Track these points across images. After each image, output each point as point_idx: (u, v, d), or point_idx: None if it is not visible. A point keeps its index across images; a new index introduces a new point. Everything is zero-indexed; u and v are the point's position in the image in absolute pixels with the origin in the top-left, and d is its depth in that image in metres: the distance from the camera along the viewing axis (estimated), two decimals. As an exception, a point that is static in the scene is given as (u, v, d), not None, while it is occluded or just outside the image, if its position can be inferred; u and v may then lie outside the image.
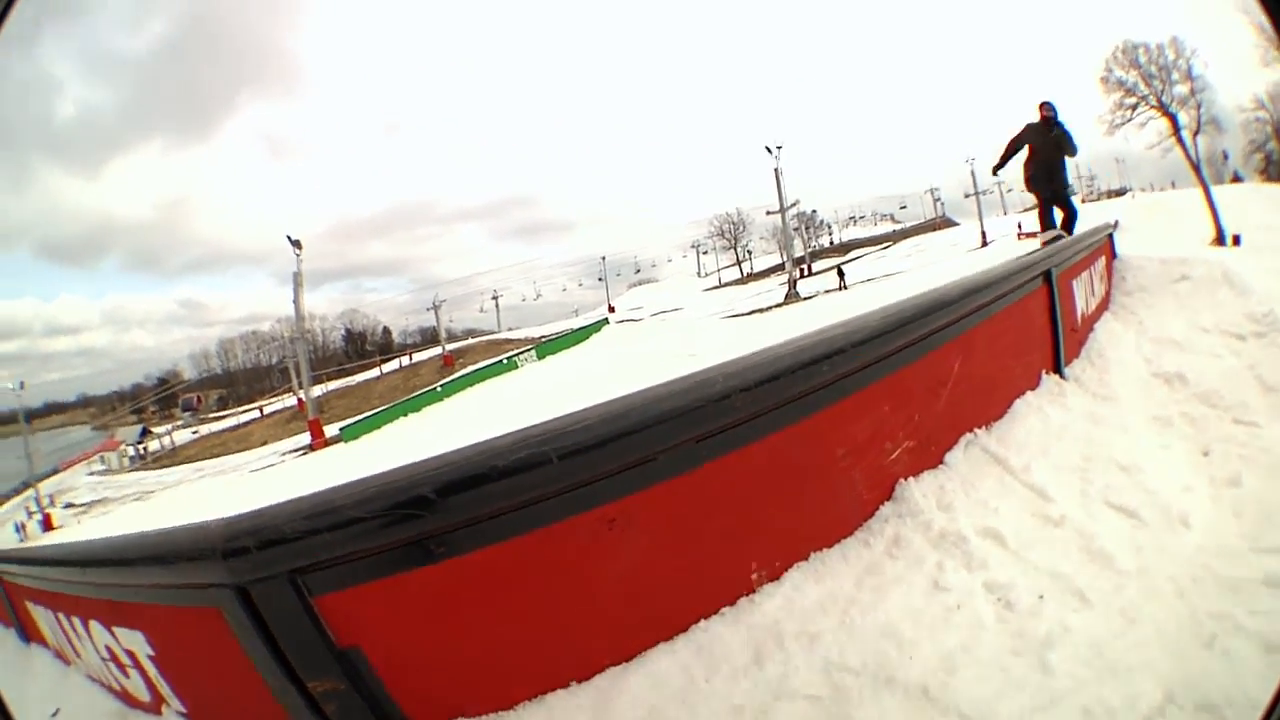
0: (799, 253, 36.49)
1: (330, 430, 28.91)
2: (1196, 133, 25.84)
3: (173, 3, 43.71)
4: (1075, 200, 10.33)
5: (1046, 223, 9.89)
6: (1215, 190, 21.49)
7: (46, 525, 26.24)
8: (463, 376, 31.16)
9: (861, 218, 41.72)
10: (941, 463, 3.39)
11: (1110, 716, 2.21)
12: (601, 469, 2.31)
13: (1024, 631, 2.55)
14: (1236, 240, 16.05)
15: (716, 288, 40.23)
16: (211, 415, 38.14)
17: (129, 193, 45.08)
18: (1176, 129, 25.96)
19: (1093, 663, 2.40)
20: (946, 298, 3.52)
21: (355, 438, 26.82)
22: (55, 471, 32.24)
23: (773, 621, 2.55)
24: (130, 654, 3.22)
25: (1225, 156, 27.46)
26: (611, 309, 38.08)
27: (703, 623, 2.52)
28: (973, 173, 34.06)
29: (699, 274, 42.69)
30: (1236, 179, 26.94)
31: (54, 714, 4.80)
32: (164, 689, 3.11)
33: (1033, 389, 4.35)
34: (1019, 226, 27.29)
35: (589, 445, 2.23)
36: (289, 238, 29.40)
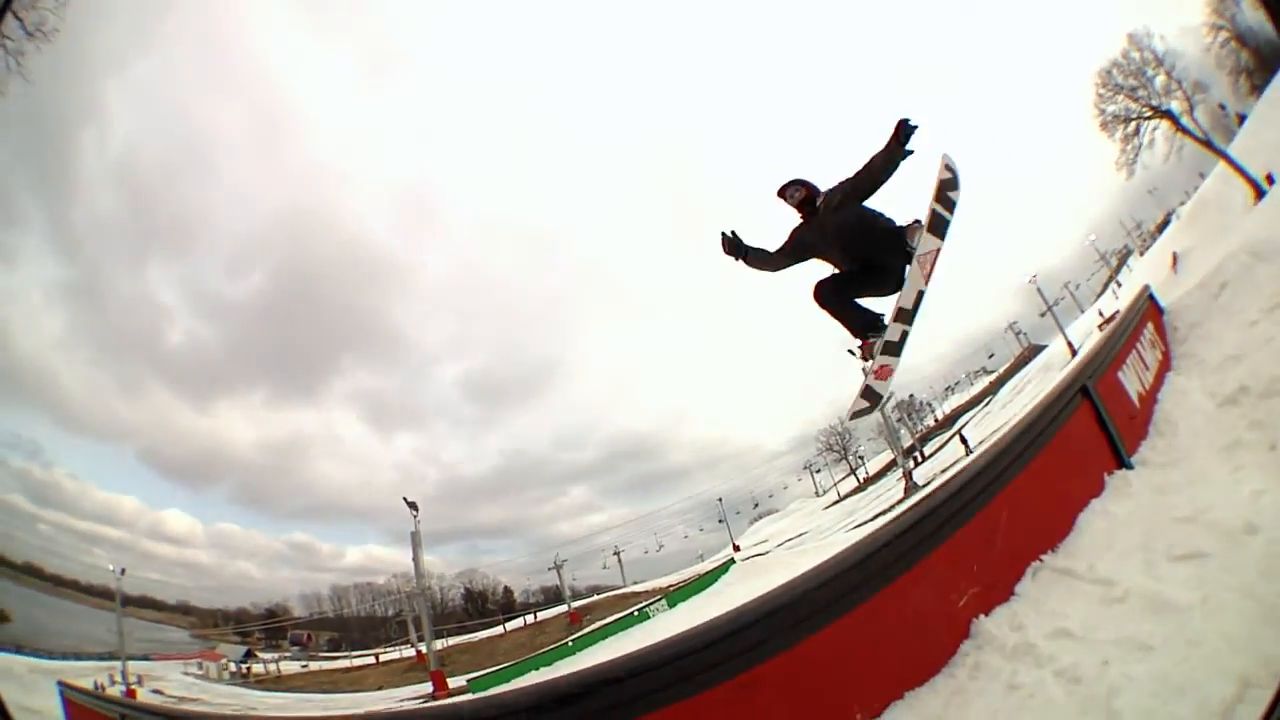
0: (907, 442, 36.02)
1: (455, 682, 28.47)
2: (1192, 110, 25.60)
3: (272, 257, 47.64)
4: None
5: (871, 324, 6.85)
6: (1232, 147, 21.22)
7: (129, 696, 25.26)
8: (593, 631, 30.85)
9: (957, 383, 40.88)
10: (1013, 594, 3.80)
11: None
12: (719, 657, 3.16)
13: (1090, 694, 2.92)
14: (1270, 179, 15.93)
15: (836, 502, 39.19)
16: (322, 654, 37.75)
17: (236, 431, 47.59)
18: (1176, 122, 25.65)
19: (1159, 693, 2.72)
20: (982, 464, 4.16)
21: (484, 689, 25.63)
22: (146, 658, 31.76)
23: None
24: None
25: (1223, 108, 26.64)
26: (736, 547, 37.41)
27: None
28: (1039, 290, 33.46)
29: (817, 493, 42.04)
30: (1242, 118, 25.77)
31: None
32: None
33: (1097, 495, 4.57)
34: (1100, 315, 26.74)
35: (706, 645, 3.21)
36: (405, 500, 29.91)
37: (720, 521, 39.51)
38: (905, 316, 6.22)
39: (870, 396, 6.76)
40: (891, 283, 6.44)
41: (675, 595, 30.97)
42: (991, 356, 39.47)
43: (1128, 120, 26.72)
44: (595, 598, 37.05)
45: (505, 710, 3.01)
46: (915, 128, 5.92)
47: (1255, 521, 3.50)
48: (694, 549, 39.41)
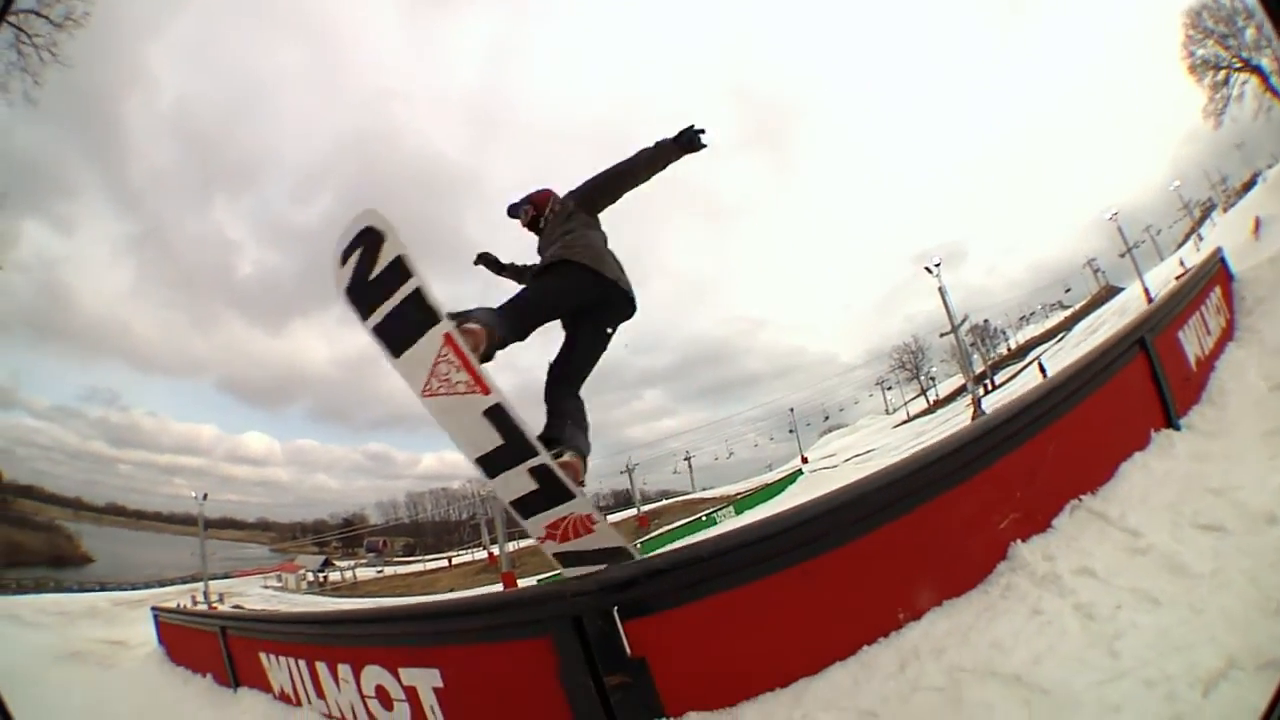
0: (978, 369, 36.09)
1: (524, 583, 27.93)
2: (1282, 66, 23.86)
3: (338, 181, 47.93)
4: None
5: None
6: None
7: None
8: (662, 535, 31.22)
9: (1032, 314, 40.25)
10: (1049, 526, 4.10)
11: (1169, 683, 2.90)
12: (786, 545, 3.63)
13: (1100, 631, 3.30)
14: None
15: (906, 422, 39.70)
16: (397, 559, 39.55)
17: (311, 350, 48.97)
18: (1266, 79, 25.34)
19: (1157, 645, 3.09)
20: (1035, 397, 4.48)
21: None
22: (228, 576, 34.39)
23: (912, 645, 3.51)
24: (410, 689, 4.39)
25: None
26: (805, 459, 37.94)
27: (865, 647, 3.57)
28: (1119, 229, 33.22)
29: (887, 411, 42.11)
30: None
31: None
32: (435, 715, 4.26)
33: (1141, 448, 4.77)
34: (1181, 266, 25.98)
35: (779, 531, 3.67)
36: None
37: (790, 432, 40.73)
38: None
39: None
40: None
41: (742, 503, 31.71)
42: (1068, 291, 39.49)
43: (1217, 68, 26.00)
44: (664, 502, 38.44)
45: (604, 585, 3.50)
46: (701, 132, 4.74)
47: (1277, 514, 3.78)
48: (763, 458, 40.87)
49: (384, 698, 4.62)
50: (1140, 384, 5.12)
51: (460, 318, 3.82)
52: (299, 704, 5.85)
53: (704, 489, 39.39)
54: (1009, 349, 39.35)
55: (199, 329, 44.95)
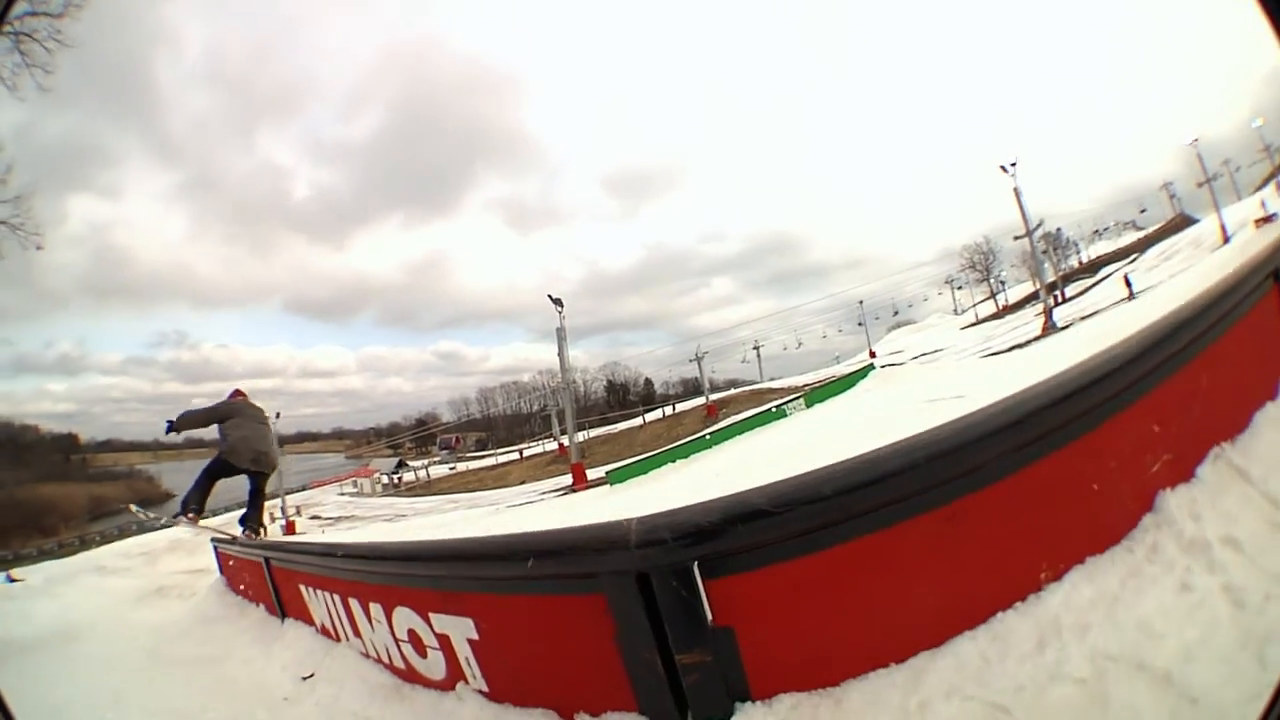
0: (1049, 278, 35.00)
1: (593, 474, 29.64)
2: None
3: (385, 93, 48.17)
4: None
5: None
6: None
7: (288, 530, 29.00)
8: (732, 425, 30.73)
9: (1105, 229, 38.97)
10: (1194, 476, 3.44)
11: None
12: (931, 480, 2.76)
13: (1250, 627, 2.73)
14: None
15: (974, 324, 39.45)
16: (470, 455, 40.63)
17: (376, 260, 49.69)
18: None
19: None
20: (1186, 316, 3.63)
21: (622, 481, 26.91)
22: (304, 488, 36.16)
23: (1053, 615, 2.87)
24: (443, 638, 3.90)
25: None
26: (873, 354, 37.99)
27: (999, 614, 2.86)
28: (1198, 155, 31.77)
29: (955, 311, 41.62)
30: None
31: (307, 677, 5.68)
32: (471, 669, 3.74)
33: (1271, 399, 4.11)
34: (1263, 208, 25.51)
35: (926, 459, 2.74)
36: (550, 297, 31.11)
37: (859, 325, 41.25)
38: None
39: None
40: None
41: (813, 395, 31.05)
42: (1143, 212, 38.78)
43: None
44: (733, 391, 38.83)
45: (680, 531, 2.64)
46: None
47: None
48: (831, 349, 41.79)
49: (417, 643, 4.21)
50: (1272, 324, 4.36)
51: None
52: (338, 639, 5.68)
53: (771, 379, 39.94)
54: (1080, 262, 38.09)
55: (260, 257, 46.31)
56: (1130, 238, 38.28)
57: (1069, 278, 36.66)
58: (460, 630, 3.76)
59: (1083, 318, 29.00)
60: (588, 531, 2.99)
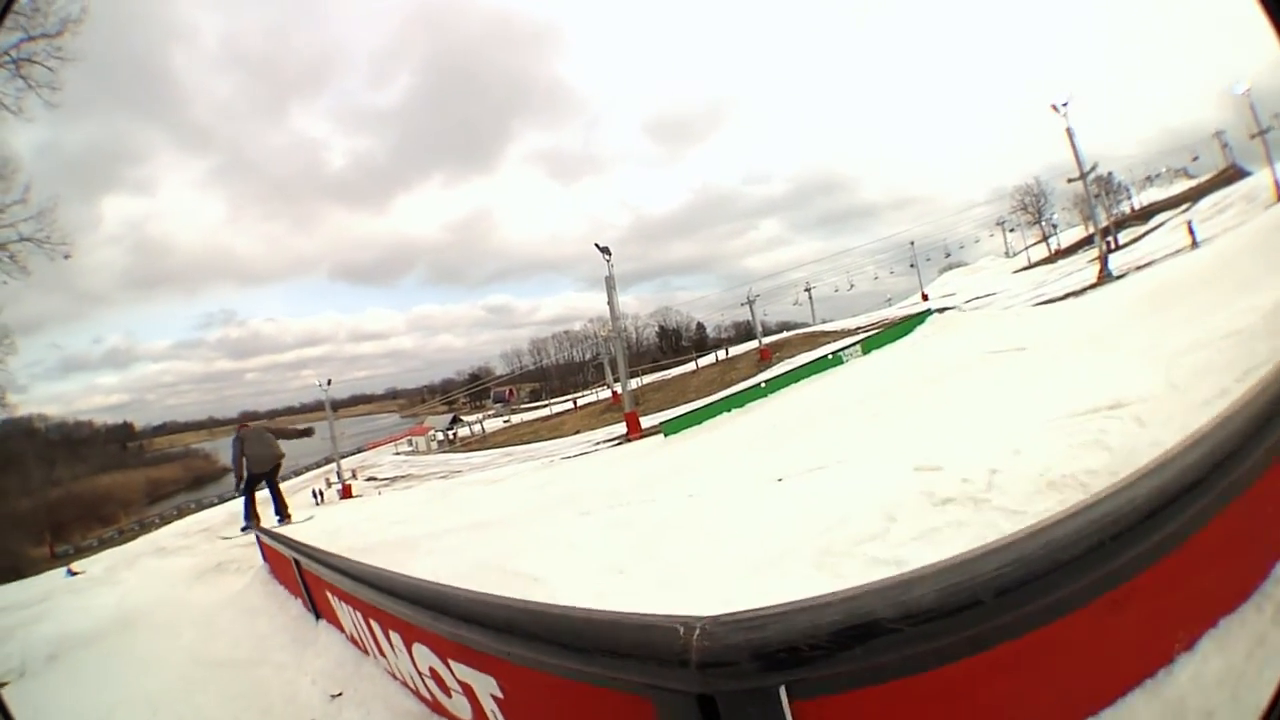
0: (1102, 223, 33.09)
1: (647, 422, 29.09)
2: None
3: (413, 55, 47.60)
4: None
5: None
6: None
7: (345, 494, 28.94)
8: (787, 373, 29.63)
9: (1157, 176, 37.19)
10: None
11: None
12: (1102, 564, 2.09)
13: None
14: None
15: (1026, 268, 37.55)
16: (524, 406, 40.06)
17: (418, 221, 49.48)
18: None
19: None
20: None
21: (676, 432, 26.23)
22: (359, 450, 36.03)
23: (1179, 695, 2.35)
24: (466, 686, 3.42)
25: None
26: (925, 296, 36.89)
27: (1124, 696, 2.26)
28: (1251, 106, 29.20)
29: (1007, 254, 40.13)
30: None
31: (336, 695, 5.32)
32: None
33: None
34: None
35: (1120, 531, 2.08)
36: (597, 245, 30.26)
37: (911, 266, 39.30)
38: None
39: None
40: None
41: (870, 342, 29.83)
42: (1195, 160, 36.25)
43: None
44: (785, 334, 37.61)
45: (762, 651, 1.87)
46: None
47: None
48: (883, 291, 39.80)
49: (439, 682, 3.77)
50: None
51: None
52: (367, 653, 5.43)
53: (824, 321, 38.85)
54: (1131, 209, 36.60)
55: (302, 230, 46.35)
56: (1181, 186, 36.04)
57: (1121, 224, 34.84)
58: (483, 685, 3.25)
59: (1138, 267, 27.70)
60: (632, 630, 2.26)
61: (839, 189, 54.26)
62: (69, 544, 26.14)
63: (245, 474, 14.66)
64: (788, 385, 27.76)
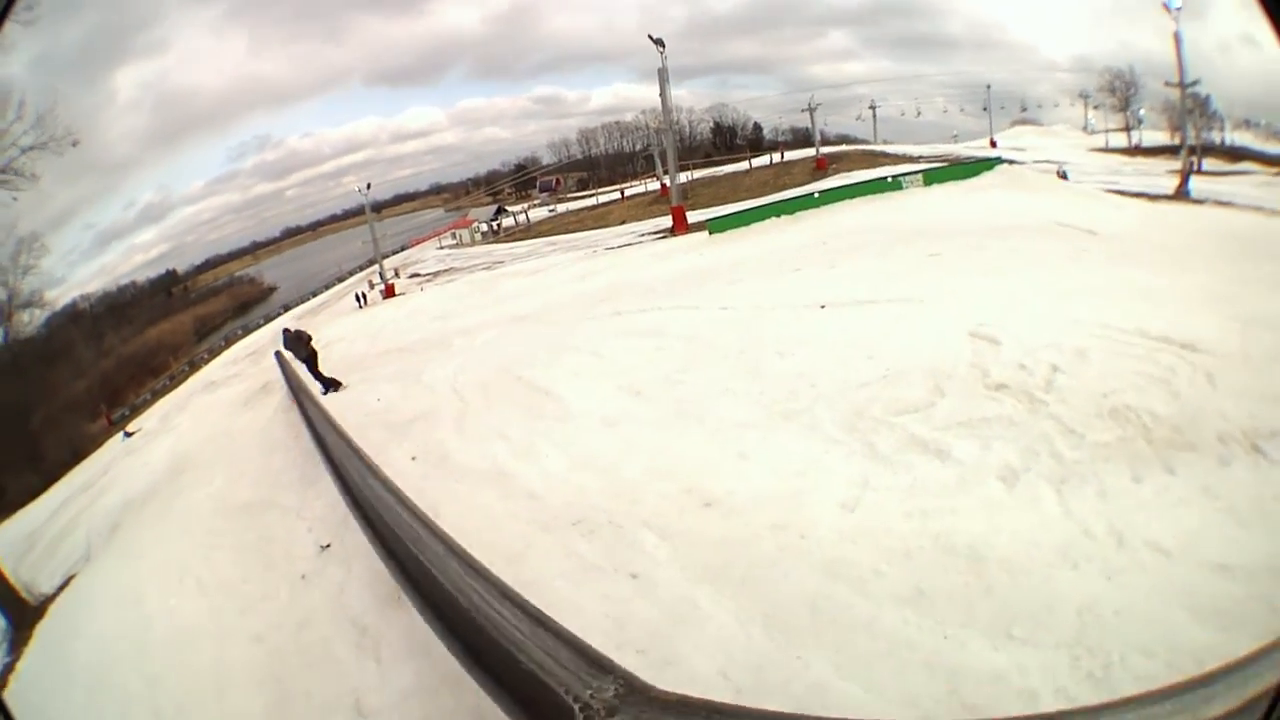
0: (1190, 140, 29.42)
1: (695, 216, 28.03)
2: None
3: None
4: None
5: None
6: None
7: (388, 293, 28.76)
8: (843, 187, 27.92)
9: (1258, 124, 32.80)
10: None
11: None
12: None
13: None
14: None
15: (1102, 150, 34.04)
16: (570, 196, 38.51)
17: (457, 16, 46.60)
18: None
19: None
20: None
21: (721, 231, 25.30)
22: (404, 248, 35.15)
23: None
24: None
25: None
26: (993, 143, 33.95)
27: None
28: None
29: (1085, 129, 36.63)
30: None
31: (325, 546, 6.31)
32: None
33: None
34: None
35: None
36: (651, 37, 28.21)
37: (984, 109, 36.26)
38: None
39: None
40: None
41: (932, 175, 28.01)
42: None
43: None
44: (844, 148, 35.02)
45: None
46: None
47: None
48: (950, 126, 37.38)
49: None
50: None
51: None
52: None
53: (885, 142, 35.62)
54: (1221, 143, 32.67)
55: (331, 43, 43.55)
56: (1276, 147, 32.13)
57: (1208, 151, 31.18)
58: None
59: (1217, 201, 25.28)
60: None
61: (919, 15, 49.43)
62: (124, 407, 26.89)
63: (301, 366, 15.77)
64: (842, 200, 26.40)
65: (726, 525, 6.25)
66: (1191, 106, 31.92)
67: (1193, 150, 29.82)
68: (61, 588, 9.89)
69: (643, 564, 6.01)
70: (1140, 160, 32.12)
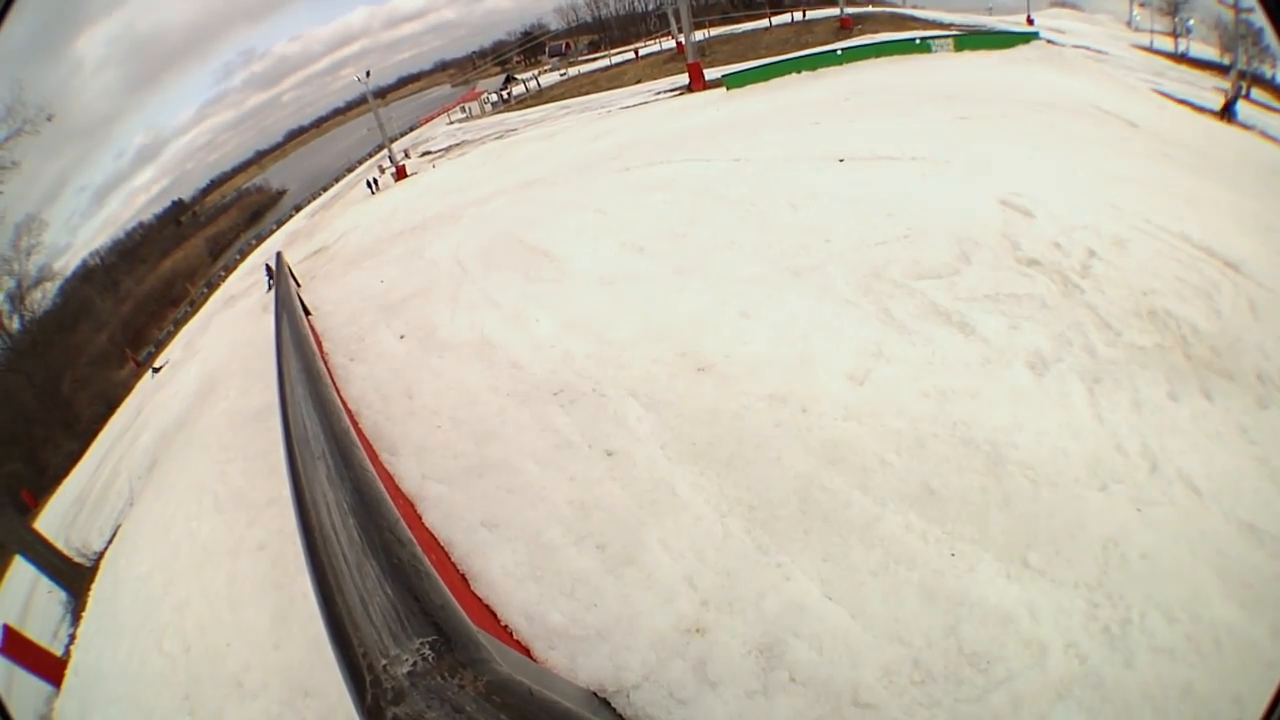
0: (1240, 64, 27.93)
1: (713, 73, 27.72)
2: None
3: None
4: None
5: None
6: None
7: (399, 175, 28.70)
8: (867, 45, 27.67)
9: None
10: None
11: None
12: None
13: None
14: None
15: (1146, 49, 32.24)
16: (581, 59, 38.42)
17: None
18: None
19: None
20: None
21: (739, 86, 25.16)
22: (412, 129, 35.40)
23: None
24: None
25: None
26: (1030, 21, 32.52)
27: None
28: None
29: (1129, 24, 33.99)
30: None
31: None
32: None
33: None
34: None
35: None
36: None
37: None
38: None
39: None
40: None
41: (964, 40, 27.36)
42: None
43: None
44: (871, 8, 34.38)
45: None
46: None
47: None
48: None
49: None
50: None
51: None
52: None
53: (914, 6, 34.74)
54: (1272, 80, 30.05)
55: None
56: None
57: (1253, 84, 28.83)
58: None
59: (1264, 134, 23.15)
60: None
61: None
62: (149, 345, 27.00)
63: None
64: (865, 58, 26.01)
65: (719, 395, 5.96)
66: (1245, 33, 30.99)
67: (1242, 75, 28.10)
68: (111, 540, 10.05)
69: (621, 439, 5.79)
70: (1185, 69, 30.10)
